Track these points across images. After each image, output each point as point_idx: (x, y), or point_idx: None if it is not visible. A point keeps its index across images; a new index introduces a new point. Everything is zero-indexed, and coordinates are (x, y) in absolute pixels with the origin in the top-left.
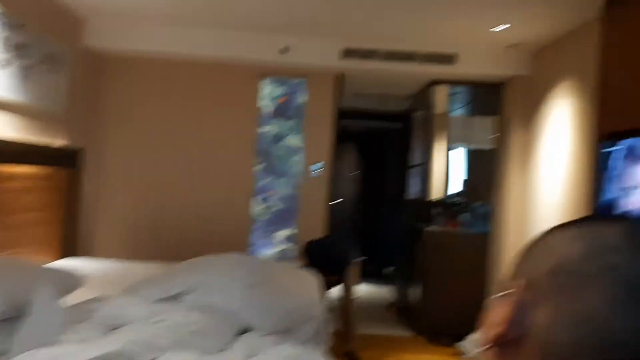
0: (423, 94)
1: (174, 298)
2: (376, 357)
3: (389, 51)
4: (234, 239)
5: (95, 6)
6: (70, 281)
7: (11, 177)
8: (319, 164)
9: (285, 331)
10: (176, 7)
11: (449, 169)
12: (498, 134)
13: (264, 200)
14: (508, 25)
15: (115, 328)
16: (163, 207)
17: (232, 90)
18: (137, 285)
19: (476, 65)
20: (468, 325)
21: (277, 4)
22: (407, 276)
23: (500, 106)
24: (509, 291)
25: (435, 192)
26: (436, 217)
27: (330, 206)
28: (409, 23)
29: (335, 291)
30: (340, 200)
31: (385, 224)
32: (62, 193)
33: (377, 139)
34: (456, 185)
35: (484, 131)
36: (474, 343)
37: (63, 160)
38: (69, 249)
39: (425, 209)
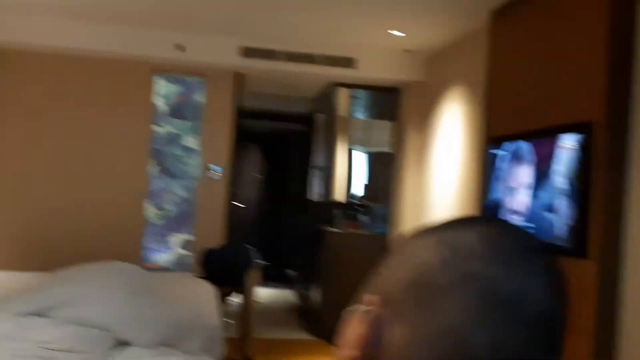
0: (325, 97)
1: (44, 311)
2: None
3: (289, 52)
4: (126, 243)
5: None
6: None
7: None
8: (219, 168)
9: (170, 343)
10: (67, 0)
11: (351, 171)
12: (396, 138)
13: (159, 202)
14: (403, 35)
15: None
16: (51, 212)
17: (124, 87)
18: (2, 298)
19: (374, 69)
20: None
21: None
22: (308, 278)
23: (397, 111)
24: (365, 308)
25: (338, 194)
26: (338, 219)
27: (230, 210)
28: (305, 24)
29: (237, 297)
30: (242, 204)
31: (288, 226)
32: None
33: (281, 140)
34: (358, 187)
35: (383, 135)
36: None
37: None
38: None
39: (328, 210)
